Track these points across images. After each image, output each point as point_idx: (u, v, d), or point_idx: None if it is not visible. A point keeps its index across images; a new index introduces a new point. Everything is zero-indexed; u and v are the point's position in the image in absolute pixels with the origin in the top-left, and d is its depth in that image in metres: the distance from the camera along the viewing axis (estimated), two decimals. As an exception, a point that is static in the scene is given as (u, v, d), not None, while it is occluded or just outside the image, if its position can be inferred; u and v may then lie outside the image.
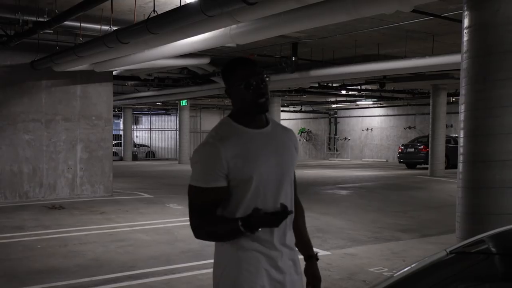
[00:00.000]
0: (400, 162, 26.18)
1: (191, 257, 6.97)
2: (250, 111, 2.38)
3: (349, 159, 34.94)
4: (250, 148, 2.34)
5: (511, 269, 1.98)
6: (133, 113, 36.55)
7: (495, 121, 5.09)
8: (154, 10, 7.84)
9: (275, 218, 2.23)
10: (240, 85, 2.33)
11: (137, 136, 39.14)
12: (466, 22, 5.44)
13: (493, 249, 2.15)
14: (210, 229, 2.34)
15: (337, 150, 36.74)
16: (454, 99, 23.66)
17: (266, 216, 2.23)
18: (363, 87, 21.59)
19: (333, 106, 33.63)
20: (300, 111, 36.19)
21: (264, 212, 2.22)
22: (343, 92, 22.42)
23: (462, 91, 5.46)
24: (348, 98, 27.55)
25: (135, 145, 36.92)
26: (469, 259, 2.05)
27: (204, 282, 5.89)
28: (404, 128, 31.40)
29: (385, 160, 32.45)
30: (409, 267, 2.03)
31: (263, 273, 2.34)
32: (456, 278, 1.96)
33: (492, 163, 5.09)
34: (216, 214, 2.34)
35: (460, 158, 5.42)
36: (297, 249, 2.52)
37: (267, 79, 2.39)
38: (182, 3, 7.67)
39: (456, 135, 24.91)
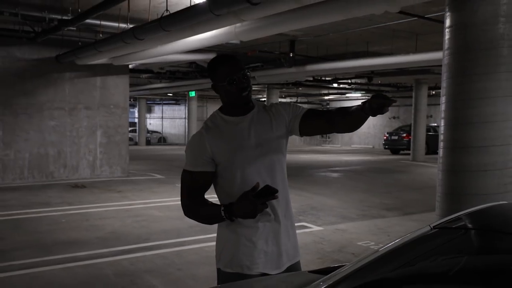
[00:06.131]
0: (385, 148, 26.16)
1: (199, 231, 6.98)
2: (235, 103, 2.35)
3: (339, 145, 34.94)
4: (234, 134, 2.32)
5: (487, 243, 1.98)
6: (146, 103, 36.46)
7: (472, 111, 5.07)
8: (166, 10, 7.79)
9: (258, 203, 2.12)
10: (224, 82, 2.29)
11: (150, 124, 39.09)
12: (448, 22, 5.39)
13: (472, 225, 2.15)
14: (196, 211, 2.35)
15: (328, 137, 36.71)
16: (434, 92, 23.58)
17: (251, 202, 2.12)
18: (353, 80, 21.52)
19: (326, 98, 33.54)
20: (296, 102, 36.05)
21: (253, 194, 2.13)
22: (335, 85, 22.33)
23: (444, 84, 5.42)
24: (339, 91, 27.45)
25: (148, 131, 36.86)
26: (451, 233, 2.05)
27: (210, 254, 5.89)
28: (389, 118, 31.35)
29: (371, 146, 32.44)
30: (398, 240, 2.02)
31: (261, 248, 2.29)
32: (439, 251, 1.96)
33: (469, 149, 5.07)
34: (204, 197, 2.34)
35: (441, 144, 5.40)
36: (295, 224, 2.50)
37: (248, 73, 2.33)
38: (192, 3, 7.62)
39: (435, 124, 24.91)
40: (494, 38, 5.02)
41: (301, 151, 28.03)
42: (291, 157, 20.17)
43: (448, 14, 5.41)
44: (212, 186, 2.41)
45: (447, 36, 5.39)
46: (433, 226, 2.05)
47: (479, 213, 2.18)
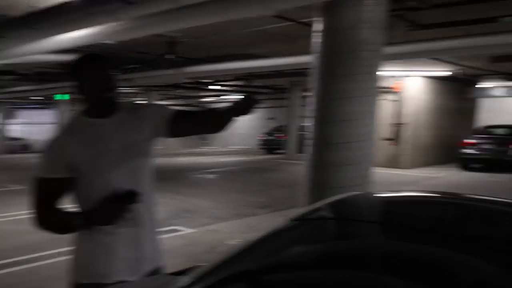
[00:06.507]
0: (261, 148, 26.91)
1: (58, 244, 6.38)
2: (98, 104, 2.25)
3: (217, 147, 35.19)
4: (97, 137, 2.21)
5: (341, 231, 2.12)
6: (9, 107, 33.50)
7: (333, 110, 5.48)
8: (32, 6, 7.37)
9: (118, 208, 2.10)
10: (87, 82, 2.20)
11: (12, 130, 35.74)
12: (318, 27, 5.72)
13: (328, 215, 2.29)
14: (50, 221, 2.18)
15: (206, 139, 36.83)
16: (307, 94, 24.61)
17: (111, 208, 2.10)
18: (232, 83, 21.85)
19: (205, 100, 33.67)
20: (173, 105, 35.71)
21: (113, 199, 2.09)
22: (215, 87, 22.54)
23: (313, 85, 5.76)
24: (219, 93, 27.73)
25: (10, 138, 33.75)
26: (308, 224, 2.15)
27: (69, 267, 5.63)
28: (266, 119, 32.21)
29: (248, 147, 33.08)
30: (259, 235, 2.11)
31: (120, 255, 2.23)
32: (296, 241, 2.07)
33: (331, 145, 5.49)
34: (57, 206, 2.19)
35: (308, 142, 5.77)
36: (164, 228, 2.46)
37: (113, 73, 2.25)
38: (64, 1, 7.26)
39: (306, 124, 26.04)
40: (357, 42, 5.41)
41: (179, 154, 27.82)
42: (167, 160, 19.93)
43: (319, 19, 5.72)
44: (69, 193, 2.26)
45: (318, 39, 5.70)
46: (292, 219, 2.17)
47: (333, 204, 2.32)
